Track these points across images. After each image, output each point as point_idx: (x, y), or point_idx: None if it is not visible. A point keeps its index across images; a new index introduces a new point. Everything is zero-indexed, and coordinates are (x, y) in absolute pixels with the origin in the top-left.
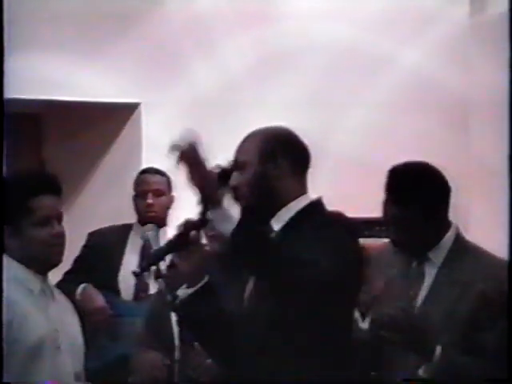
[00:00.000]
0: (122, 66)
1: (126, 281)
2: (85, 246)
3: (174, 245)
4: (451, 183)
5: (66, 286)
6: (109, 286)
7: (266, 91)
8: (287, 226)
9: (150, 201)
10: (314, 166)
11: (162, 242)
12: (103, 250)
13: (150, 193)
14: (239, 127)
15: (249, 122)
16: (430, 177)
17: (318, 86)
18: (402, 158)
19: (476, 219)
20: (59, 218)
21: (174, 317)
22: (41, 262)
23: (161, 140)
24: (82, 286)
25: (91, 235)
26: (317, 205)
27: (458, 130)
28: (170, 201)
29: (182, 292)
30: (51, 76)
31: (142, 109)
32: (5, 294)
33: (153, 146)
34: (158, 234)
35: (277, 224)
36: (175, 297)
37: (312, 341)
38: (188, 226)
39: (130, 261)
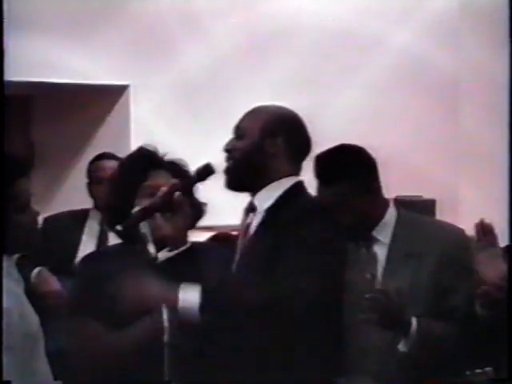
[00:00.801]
0: (111, 49)
1: None
2: (40, 233)
3: (158, 204)
4: (440, 162)
5: (21, 270)
6: (65, 270)
7: (256, 73)
8: (276, 205)
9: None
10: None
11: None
12: (59, 234)
13: (107, 179)
14: (228, 109)
15: (238, 104)
16: (351, 154)
17: (308, 68)
18: (391, 137)
19: (465, 198)
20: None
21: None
22: (22, 245)
23: (149, 122)
24: (37, 269)
25: (47, 220)
26: (301, 185)
27: (448, 109)
28: None
29: (163, 254)
30: (41, 58)
31: (131, 91)
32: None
33: (141, 127)
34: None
35: (264, 202)
36: (155, 258)
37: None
38: (173, 187)
39: (87, 246)
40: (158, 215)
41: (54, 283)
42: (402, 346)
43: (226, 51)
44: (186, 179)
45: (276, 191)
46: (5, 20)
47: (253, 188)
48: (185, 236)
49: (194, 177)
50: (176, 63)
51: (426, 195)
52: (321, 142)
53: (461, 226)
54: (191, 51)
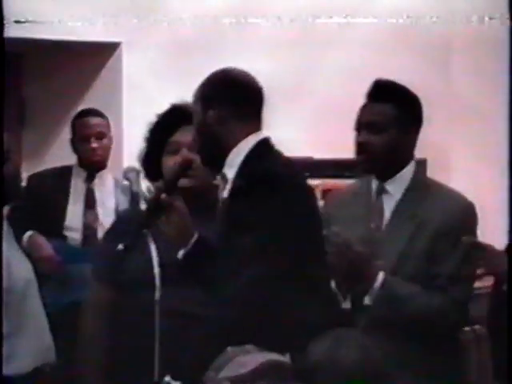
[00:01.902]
0: (103, 5)
1: (72, 227)
2: (25, 191)
3: (152, 212)
4: (431, 121)
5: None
6: (54, 232)
7: (248, 30)
8: (240, 174)
9: (94, 145)
10: (286, 106)
11: (143, 183)
12: (45, 194)
13: (93, 136)
14: (220, 66)
15: (230, 61)
16: (413, 101)
17: (301, 26)
18: None
19: (457, 156)
20: (13, 151)
21: (155, 258)
22: (8, 196)
23: (141, 80)
24: (29, 233)
25: (30, 179)
26: (264, 144)
27: (440, 68)
28: (111, 141)
29: (180, 254)
30: (33, 15)
31: (123, 48)
32: None
33: (133, 85)
34: (139, 175)
35: (229, 171)
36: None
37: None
38: (157, 192)
39: (75, 206)
40: (160, 221)
41: (46, 248)
42: (367, 300)
43: (218, 8)
44: (166, 180)
45: (238, 157)
46: None
47: (217, 162)
48: (188, 229)
49: (174, 174)
50: (168, 20)
51: (417, 155)
52: (314, 99)
53: (452, 186)
54: (183, 8)
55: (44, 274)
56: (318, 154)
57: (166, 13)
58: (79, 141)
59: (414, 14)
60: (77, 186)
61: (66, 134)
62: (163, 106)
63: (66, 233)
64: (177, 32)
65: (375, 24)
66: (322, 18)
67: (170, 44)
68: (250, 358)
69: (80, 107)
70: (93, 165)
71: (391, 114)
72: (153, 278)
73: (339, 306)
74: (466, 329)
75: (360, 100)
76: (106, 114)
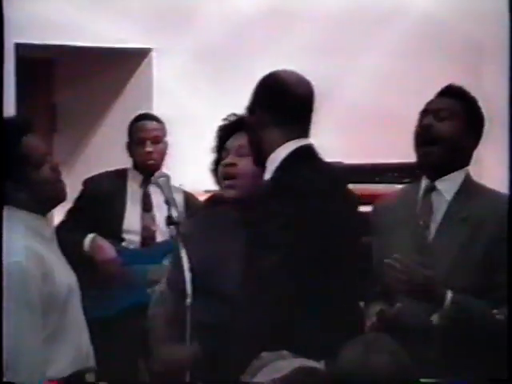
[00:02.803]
0: (134, 12)
1: (131, 230)
2: (82, 195)
3: None
4: None
5: (65, 236)
6: (113, 235)
7: (278, 37)
8: (272, 180)
9: (149, 149)
10: (317, 112)
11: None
12: (103, 198)
13: (149, 140)
14: (250, 73)
15: (259, 67)
16: (479, 110)
17: (329, 34)
18: (413, 104)
19: (489, 163)
20: (50, 154)
21: (186, 264)
22: (49, 201)
23: (172, 86)
24: (91, 236)
25: (87, 183)
26: (303, 150)
27: (471, 75)
28: (166, 147)
29: None
30: (64, 21)
31: (154, 54)
32: (26, 245)
33: (164, 91)
34: (170, 181)
35: (267, 177)
36: None
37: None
38: None
39: (133, 210)
40: None
41: (109, 250)
42: (436, 319)
43: (249, 15)
44: None
45: (274, 163)
46: None
47: (261, 165)
48: None
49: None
50: (199, 27)
51: None
52: (343, 107)
53: None
54: (214, 15)
55: (107, 277)
56: (349, 159)
57: (196, 19)
58: (135, 144)
59: (443, 18)
60: (133, 190)
61: (96, 140)
62: (193, 112)
63: (125, 235)
64: (207, 38)
65: (405, 29)
66: (352, 24)
67: (200, 50)
68: (284, 364)
69: (110, 113)
70: (147, 168)
71: (458, 107)
72: (184, 284)
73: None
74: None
75: (389, 105)
76: None
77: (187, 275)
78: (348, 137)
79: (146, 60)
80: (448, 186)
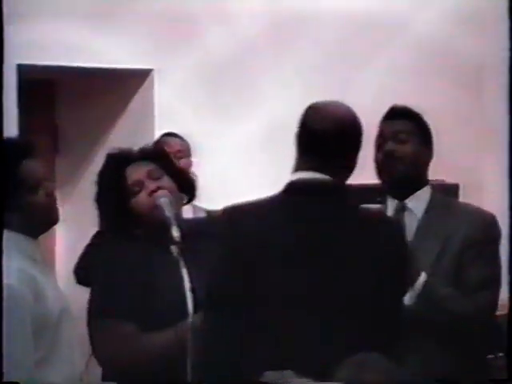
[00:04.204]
0: (135, 32)
1: None
2: None
3: None
4: (464, 146)
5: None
6: None
7: (280, 57)
8: None
9: None
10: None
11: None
12: None
13: (172, 155)
14: (252, 93)
15: (262, 88)
16: (426, 124)
17: (332, 51)
18: None
19: (488, 180)
20: (47, 178)
21: (187, 284)
22: (41, 224)
23: (173, 106)
24: None
25: None
26: (291, 185)
27: (473, 93)
28: (190, 164)
29: None
30: (65, 42)
31: (155, 75)
32: (19, 267)
33: (165, 112)
34: (171, 200)
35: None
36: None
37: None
38: None
39: None
40: None
41: None
42: (407, 300)
43: (250, 35)
44: None
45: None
46: (31, 4)
47: None
48: None
49: None
50: (200, 47)
51: (449, 179)
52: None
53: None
54: (215, 35)
55: None
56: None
57: (197, 39)
58: None
59: (444, 38)
60: None
61: (98, 161)
62: (195, 131)
63: None
64: (207, 57)
65: (407, 48)
66: (355, 41)
67: (201, 69)
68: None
69: (112, 134)
70: None
71: (412, 126)
72: (185, 302)
73: None
74: (500, 354)
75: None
76: (138, 140)
77: (188, 296)
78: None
79: (147, 80)
80: (417, 204)
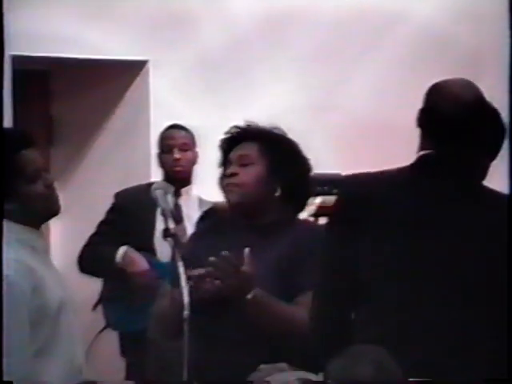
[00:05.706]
0: (130, 24)
1: (162, 241)
2: (113, 208)
3: None
4: None
5: (97, 248)
6: (145, 247)
7: (275, 49)
8: None
9: (176, 155)
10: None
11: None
12: (134, 211)
13: (176, 147)
14: (247, 84)
15: (257, 79)
16: None
17: (327, 44)
18: (412, 114)
19: (488, 180)
20: (46, 169)
21: (183, 276)
22: (41, 214)
23: (168, 98)
24: (123, 249)
25: (118, 196)
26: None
27: None
28: (195, 156)
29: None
30: (60, 33)
31: (150, 66)
32: (16, 258)
33: (160, 103)
34: (167, 194)
35: None
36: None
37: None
38: None
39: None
40: None
41: (141, 263)
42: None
43: (246, 26)
44: None
45: None
46: None
47: None
48: None
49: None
50: (195, 38)
51: None
52: (343, 117)
53: None
54: (210, 26)
55: (139, 290)
56: (347, 171)
57: (193, 31)
58: (164, 153)
59: (443, 28)
60: None
61: (93, 152)
62: (190, 124)
63: (156, 247)
64: (203, 49)
65: (403, 42)
66: (350, 34)
67: (197, 62)
68: (282, 376)
69: (107, 125)
70: (175, 176)
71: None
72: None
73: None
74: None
75: (387, 116)
76: (133, 131)
77: (184, 287)
78: (346, 148)
79: (142, 72)
80: None
